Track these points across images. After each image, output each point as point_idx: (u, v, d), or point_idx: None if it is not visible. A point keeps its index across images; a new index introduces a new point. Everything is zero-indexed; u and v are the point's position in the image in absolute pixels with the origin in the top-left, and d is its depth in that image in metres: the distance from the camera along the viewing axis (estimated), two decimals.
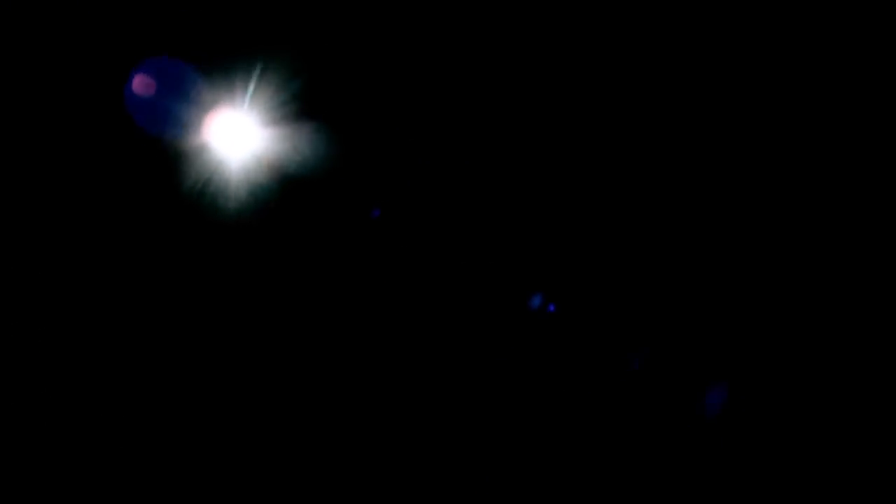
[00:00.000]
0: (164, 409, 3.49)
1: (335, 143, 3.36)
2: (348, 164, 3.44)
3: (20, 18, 2.97)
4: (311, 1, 3.20)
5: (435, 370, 3.73)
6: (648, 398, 3.73)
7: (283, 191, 3.37)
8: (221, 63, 3.14)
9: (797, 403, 3.64)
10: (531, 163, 3.61)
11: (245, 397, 3.57)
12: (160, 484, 3.46)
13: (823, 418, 3.61)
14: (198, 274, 3.49)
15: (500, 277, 3.78)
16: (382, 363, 3.68)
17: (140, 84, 2.98)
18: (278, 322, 3.60)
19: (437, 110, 3.46)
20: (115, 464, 3.44)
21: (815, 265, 3.62)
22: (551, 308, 3.94)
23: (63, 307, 3.41)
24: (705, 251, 3.69)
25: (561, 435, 3.74)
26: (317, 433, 3.61)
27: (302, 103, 3.26)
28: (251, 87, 3.19)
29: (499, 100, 3.49)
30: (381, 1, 3.24)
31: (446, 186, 3.60)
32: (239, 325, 3.57)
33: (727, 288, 3.71)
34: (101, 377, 3.45)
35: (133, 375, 3.47)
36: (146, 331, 3.48)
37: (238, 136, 3.26)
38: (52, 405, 3.41)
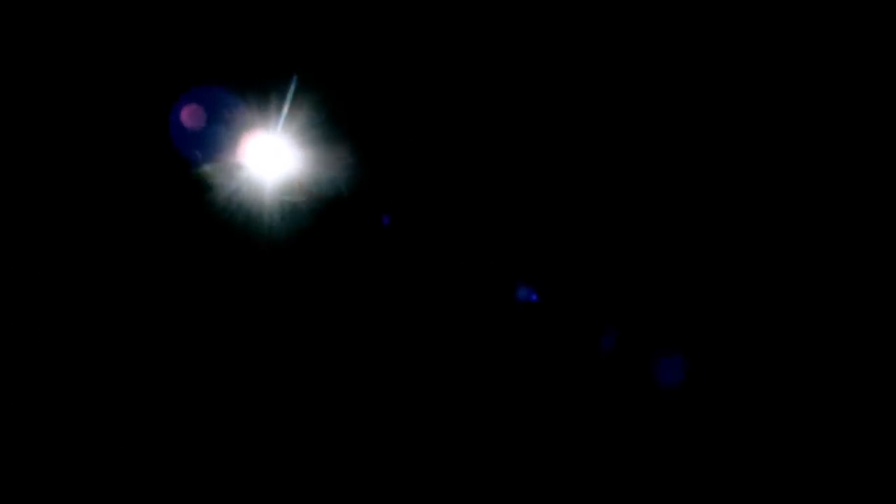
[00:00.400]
0: (203, 418, 3.59)
1: (364, 162, 3.47)
2: (375, 179, 3.54)
3: (70, 40, 2.92)
4: (344, 24, 3.25)
5: (442, 366, 3.87)
6: (635, 390, 3.82)
7: (315, 210, 3.47)
8: (256, 86, 3.20)
9: (788, 397, 3.67)
10: (517, 163, 3.72)
11: (281, 407, 3.67)
12: (161, 484, 3.53)
13: (814, 411, 3.63)
14: (231, 291, 3.55)
15: (494, 271, 3.90)
16: (405, 362, 3.81)
17: (185, 115, 3.01)
18: (309, 335, 3.71)
19: (463, 124, 3.57)
20: (116, 464, 3.51)
21: (804, 258, 3.65)
22: (534, 298, 4.17)
23: (100, 322, 3.42)
24: (689, 244, 3.76)
25: (556, 428, 3.81)
26: (352, 436, 3.73)
27: (334, 124, 3.35)
28: (285, 109, 3.27)
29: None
30: (412, 23, 3.31)
31: (447, 186, 3.73)
32: (271, 339, 3.67)
33: (710, 278, 3.76)
34: (144, 387, 3.50)
35: (169, 386, 3.54)
36: (181, 345, 3.54)
37: (271, 157, 3.34)
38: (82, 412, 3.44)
